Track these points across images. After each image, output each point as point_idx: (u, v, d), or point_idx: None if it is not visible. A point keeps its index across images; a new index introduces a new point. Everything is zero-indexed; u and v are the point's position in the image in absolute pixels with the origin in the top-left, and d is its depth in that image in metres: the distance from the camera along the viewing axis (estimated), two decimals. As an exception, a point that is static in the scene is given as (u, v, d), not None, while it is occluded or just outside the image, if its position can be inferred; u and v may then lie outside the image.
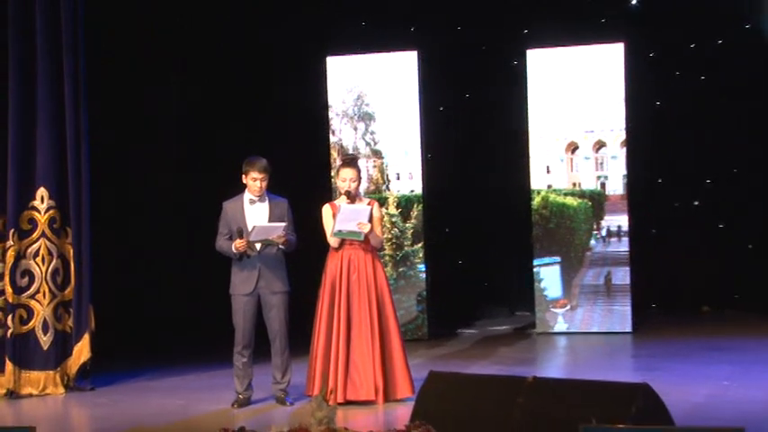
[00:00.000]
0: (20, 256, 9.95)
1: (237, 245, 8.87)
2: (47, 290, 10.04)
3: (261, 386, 9.31)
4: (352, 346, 9.08)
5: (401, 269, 12.31)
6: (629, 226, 12.29)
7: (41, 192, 9.99)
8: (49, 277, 10.04)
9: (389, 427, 6.99)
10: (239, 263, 9.03)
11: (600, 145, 12.30)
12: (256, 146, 9.62)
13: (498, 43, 13.17)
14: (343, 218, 8.92)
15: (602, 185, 12.33)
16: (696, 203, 13.38)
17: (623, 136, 12.22)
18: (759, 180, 12.78)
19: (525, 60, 12.41)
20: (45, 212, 10.02)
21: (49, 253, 10.04)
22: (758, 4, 12.63)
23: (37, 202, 10.01)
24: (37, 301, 10.03)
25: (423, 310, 12.37)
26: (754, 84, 12.73)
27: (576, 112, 12.27)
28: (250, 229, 8.87)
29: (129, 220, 11.65)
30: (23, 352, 9.94)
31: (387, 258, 11.76)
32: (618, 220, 12.29)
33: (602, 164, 12.33)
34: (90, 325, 10.03)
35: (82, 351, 10.02)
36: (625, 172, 12.27)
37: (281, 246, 8.97)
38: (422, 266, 12.42)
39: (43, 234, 10.02)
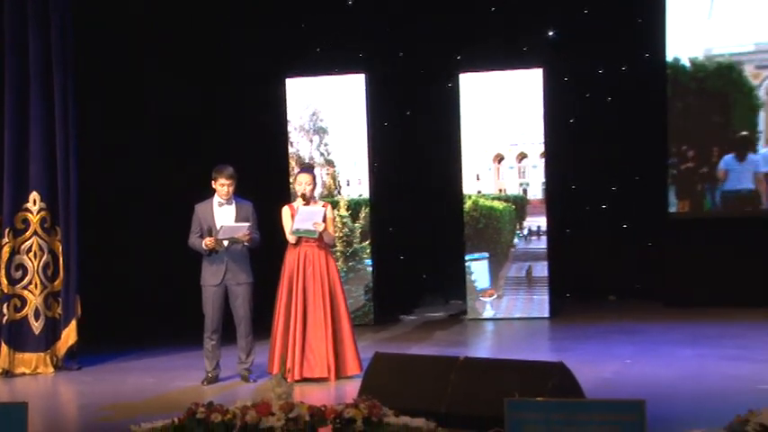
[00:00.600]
0: (14, 251, 9.95)
1: (207, 242, 8.93)
2: (38, 281, 10.04)
3: (227, 366, 9.30)
4: (307, 330, 9.09)
5: (351, 263, 12.31)
6: (547, 226, 12.35)
7: (34, 195, 9.99)
8: (40, 270, 10.04)
9: (340, 401, 6.95)
10: (209, 257, 9.05)
11: (522, 156, 12.35)
12: (225, 155, 9.57)
13: (434, 68, 13.16)
14: (300, 218, 8.99)
15: (524, 191, 12.39)
16: (604, 207, 13.44)
17: (542, 148, 12.29)
18: (656, 186, 12.82)
19: (458, 83, 12.43)
20: (37, 213, 10.02)
21: (41, 249, 10.03)
22: (655, 37, 12.72)
23: (30, 205, 10.00)
24: (29, 291, 10.02)
25: (369, 298, 12.39)
26: (652, 104, 12.79)
27: (502, 127, 12.34)
28: (218, 228, 8.89)
29: (113, 220, 11.57)
30: (17, 336, 9.94)
31: (338, 254, 11.73)
32: (537, 221, 12.35)
33: (524, 172, 12.39)
34: (76, 312, 10.03)
35: (69, 335, 10.03)
36: (544, 180, 12.34)
37: (245, 243, 9.03)
38: (369, 261, 12.43)
39: (35, 232, 10.01)
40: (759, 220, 12.58)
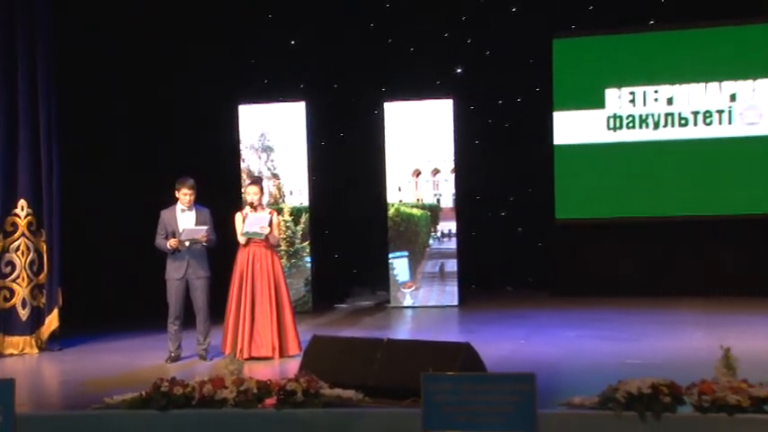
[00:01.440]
0: (4, 250, 9.83)
1: (171, 243, 8.92)
2: (25, 276, 9.93)
3: (188, 347, 9.24)
4: (255, 317, 9.10)
5: (293, 260, 12.28)
6: (457, 229, 12.41)
7: (22, 202, 9.89)
8: (27, 266, 9.93)
9: (283, 377, 6.92)
10: (172, 255, 9.05)
11: (436, 171, 12.38)
12: (186, 169, 9.53)
13: (363, 97, 13.19)
14: (249, 223, 9.06)
15: (438, 200, 12.43)
16: (503, 213, 13.54)
17: (452, 165, 12.34)
18: (545, 197, 12.96)
19: (383, 110, 12.47)
20: (24, 218, 9.90)
21: (28, 248, 9.92)
22: (543, 75, 12.87)
23: (18, 210, 9.89)
24: (17, 284, 9.91)
25: (308, 290, 12.37)
26: (541, 130, 12.94)
27: (419, 147, 12.36)
28: (181, 231, 8.88)
29: (90, 223, 11.44)
30: (7, 322, 9.83)
31: (282, 252, 11.67)
32: (449, 226, 12.41)
33: (437, 185, 12.43)
34: (58, 302, 9.96)
35: (52, 321, 9.96)
36: (453, 191, 12.38)
37: (204, 243, 9.03)
38: (308, 258, 12.41)
39: (23, 234, 9.89)
40: (629, 223, 12.75)
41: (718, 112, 12.49)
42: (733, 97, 12.43)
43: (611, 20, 12.74)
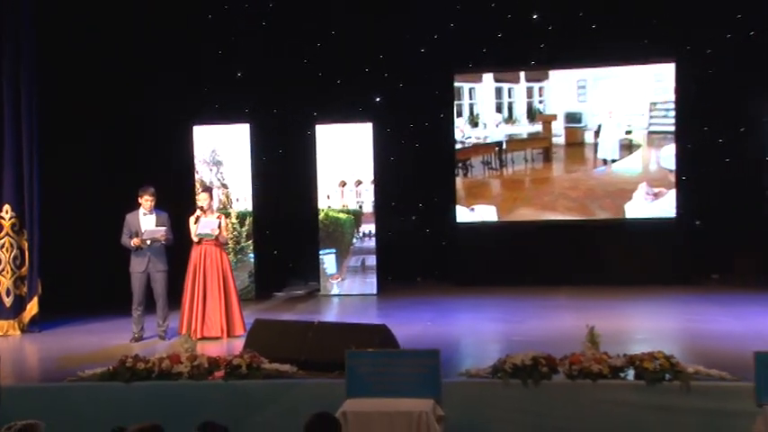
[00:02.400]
0: (-9, 248, 9.72)
1: (135, 242, 8.92)
2: (9, 269, 9.82)
3: (149, 328, 9.19)
4: (206, 303, 9.13)
5: (239, 256, 12.22)
6: (376, 231, 12.46)
7: (6, 207, 9.80)
8: (11, 261, 9.82)
9: (230, 353, 6.91)
10: (136, 252, 9.01)
11: (359, 182, 12.42)
12: (149, 178, 9.50)
13: (298, 120, 13.13)
14: (202, 225, 9.11)
15: (360, 206, 12.46)
16: (414, 217, 13.60)
17: (372, 177, 12.39)
18: (447, 204, 13.10)
19: (315, 131, 12.48)
20: (9, 220, 9.79)
21: (11, 246, 9.80)
22: (446, 103, 13.01)
23: (3, 214, 9.78)
24: (3, 276, 9.80)
25: (252, 281, 12.31)
26: (445, 150, 13.09)
27: (345, 162, 12.38)
28: (143, 231, 8.82)
29: (66, 223, 11.23)
30: (-7, 308, 9.73)
31: (230, 249, 11.60)
32: (369, 227, 12.45)
33: (360, 194, 12.47)
34: (38, 291, 9.86)
35: (32, 307, 9.86)
36: (373, 199, 12.44)
37: (163, 241, 8.99)
38: (252, 254, 12.36)
39: (7, 234, 9.79)
40: (516, 225, 12.95)
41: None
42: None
43: (499, 60, 12.93)
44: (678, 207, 12.50)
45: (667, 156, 12.52)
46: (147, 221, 9.00)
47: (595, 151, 12.74)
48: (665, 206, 12.55)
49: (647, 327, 9.04)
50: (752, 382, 5.56)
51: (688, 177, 12.56)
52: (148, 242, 8.93)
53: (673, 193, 12.48)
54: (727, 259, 12.54)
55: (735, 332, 8.60)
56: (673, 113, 12.44)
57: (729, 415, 5.78)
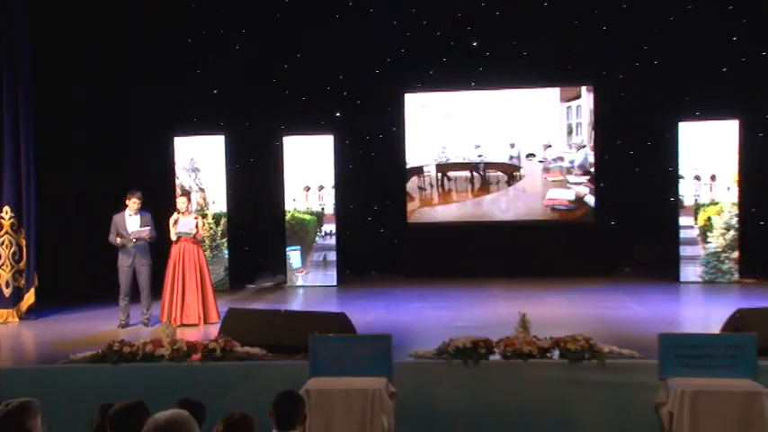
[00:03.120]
0: (-8, 245, 9.58)
1: (121, 240, 8.79)
2: (9, 263, 9.71)
3: (134, 317, 9.09)
4: (185, 294, 9.11)
5: (215, 252, 12.12)
6: (336, 230, 12.45)
7: (6, 208, 9.69)
8: (10, 256, 9.71)
9: (206, 338, 6.88)
10: (122, 249, 8.89)
11: (321, 187, 12.40)
12: (134, 182, 9.43)
13: (268, 132, 13.04)
14: (181, 225, 9.05)
15: (322, 209, 12.43)
16: (369, 219, 13.61)
17: (333, 183, 12.38)
18: (400, 206, 13.12)
19: (283, 142, 12.42)
20: (8, 220, 9.67)
21: (11, 243, 9.69)
22: (399, 118, 13.05)
23: (3, 214, 9.67)
24: (3, 270, 9.70)
25: (226, 274, 12.21)
26: (399, 156, 13.06)
27: (309, 169, 12.35)
28: (129, 231, 8.73)
29: (60, 222, 11.06)
30: (-6, 299, 9.59)
31: (206, 246, 11.52)
32: (330, 227, 12.43)
33: (322, 197, 12.44)
34: (34, 283, 9.76)
35: (29, 298, 9.76)
36: (334, 202, 12.43)
37: (147, 239, 8.85)
38: (226, 251, 12.27)
39: (7, 232, 9.68)
40: (459, 225, 13.04)
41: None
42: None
43: (444, 81, 13.00)
44: (596, 209, 12.72)
45: (588, 165, 12.72)
46: (132, 222, 8.92)
47: (519, 159, 12.92)
48: (586, 209, 12.76)
49: (569, 313, 9.16)
50: (656, 359, 5.68)
51: (605, 184, 12.78)
52: (134, 240, 8.87)
53: (592, 198, 12.70)
54: (636, 254, 12.77)
55: (642, 317, 8.78)
56: (592, 129, 12.66)
57: (637, 387, 5.91)
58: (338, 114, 13.38)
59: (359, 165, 13.36)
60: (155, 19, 12.20)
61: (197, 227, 9.11)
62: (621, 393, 5.97)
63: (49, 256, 10.36)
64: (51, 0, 10.98)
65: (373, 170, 13.36)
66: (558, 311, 9.24)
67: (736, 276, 11.47)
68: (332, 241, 12.42)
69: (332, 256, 12.40)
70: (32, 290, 9.74)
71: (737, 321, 6.51)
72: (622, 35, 12.30)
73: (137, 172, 11.47)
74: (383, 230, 13.63)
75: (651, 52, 12.50)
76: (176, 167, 12.25)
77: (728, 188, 11.54)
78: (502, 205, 13.02)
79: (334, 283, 12.30)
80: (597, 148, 12.70)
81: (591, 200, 12.74)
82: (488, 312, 9.26)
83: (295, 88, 13.24)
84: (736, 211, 11.53)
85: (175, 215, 9.09)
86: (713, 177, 11.59)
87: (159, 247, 9.32)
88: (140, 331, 8.60)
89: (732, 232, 11.51)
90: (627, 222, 12.73)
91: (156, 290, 9.18)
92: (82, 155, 11.90)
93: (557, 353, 6.14)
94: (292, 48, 13.14)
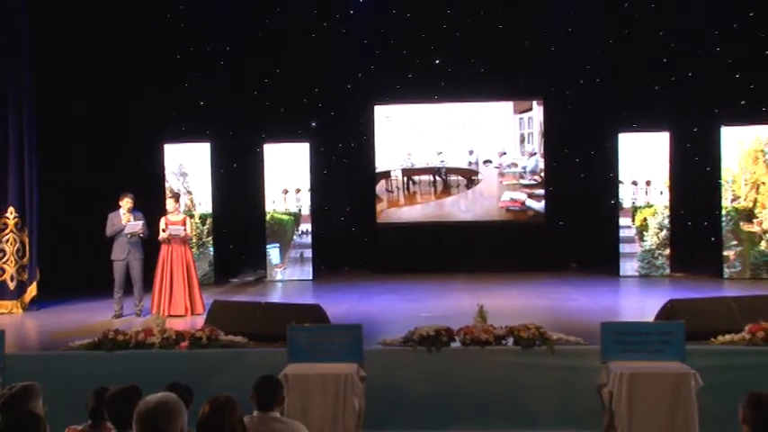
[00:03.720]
0: (-2, 242, 9.47)
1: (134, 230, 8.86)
2: (13, 259, 9.59)
3: (127, 308, 8.98)
4: (173, 287, 9.03)
5: (201, 249, 12.01)
6: (312, 230, 12.40)
7: (11, 209, 9.60)
8: (14, 253, 9.60)
9: (193, 328, 6.82)
10: (117, 244, 8.88)
11: (298, 190, 12.36)
12: (128, 185, 9.34)
13: (249, 140, 12.94)
14: (172, 227, 8.94)
15: (299, 210, 12.38)
16: (342, 218, 13.54)
17: (309, 186, 12.34)
18: (370, 207, 13.11)
19: (263, 149, 12.36)
20: (13, 219, 9.57)
21: (15, 240, 9.58)
22: (368, 128, 13.05)
23: (8, 214, 9.58)
24: (8, 265, 9.59)
25: (212, 269, 12.11)
26: (370, 164, 13.03)
27: (287, 174, 12.30)
28: (125, 225, 8.72)
29: (61, 221, 10.89)
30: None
31: (194, 244, 11.33)
32: (307, 227, 12.39)
33: (299, 199, 12.39)
34: (36, 277, 9.68)
35: (32, 290, 9.68)
36: (310, 203, 12.38)
37: (141, 235, 8.85)
38: (211, 248, 12.17)
39: (11, 230, 9.59)
40: (425, 225, 13.06)
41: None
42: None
43: (410, 94, 13.03)
44: (546, 211, 12.84)
45: (538, 171, 12.84)
46: (130, 224, 8.89)
47: (477, 165, 12.99)
48: (537, 210, 12.87)
49: (522, 304, 9.23)
50: (598, 345, 5.75)
51: (553, 188, 12.91)
52: (129, 235, 8.79)
53: (534, 203, 12.82)
54: (581, 251, 12.91)
55: (586, 307, 8.88)
56: (542, 138, 12.78)
57: (582, 370, 5.98)
58: (314, 124, 13.35)
59: (332, 170, 13.34)
60: (148, 37, 12.10)
61: (185, 228, 9.05)
62: (568, 376, 6.04)
63: (50, 253, 10.23)
64: (53, 19, 10.83)
65: (345, 175, 13.36)
66: (512, 303, 9.30)
67: (668, 271, 11.66)
68: (308, 239, 12.38)
69: (308, 253, 12.36)
70: (35, 283, 9.65)
71: (669, 311, 6.62)
72: (569, 55, 12.48)
73: (130, 176, 11.32)
74: (354, 229, 13.62)
75: (594, 71, 12.69)
76: (166, 172, 12.11)
77: (661, 192, 11.72)
78: (462, 207, 13.10)
79: (310, 278, 12.25)
80: (547, 155, 12.84)
81: (534, 204, 12.84)
82: (450, 304, 9.28)
83: (275, 100, 13.19)
84: (667, 212, 11.72)
85: (161, 226, 9.02)
86: (648, 183, 11.77)
87: (150, 244, 9.23)
88: (133, 321, 8.50)
89: (664, 232, 11.70)
90: (573, 222, 12.87)
91: (148, 283, 9.08)
92: (81, 161, 11.74)
93: (511, 340, 6.18)
94: (272, 63, 13.09)
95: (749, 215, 11.14)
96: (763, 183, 11.11)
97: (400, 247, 13.02)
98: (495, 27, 12.75)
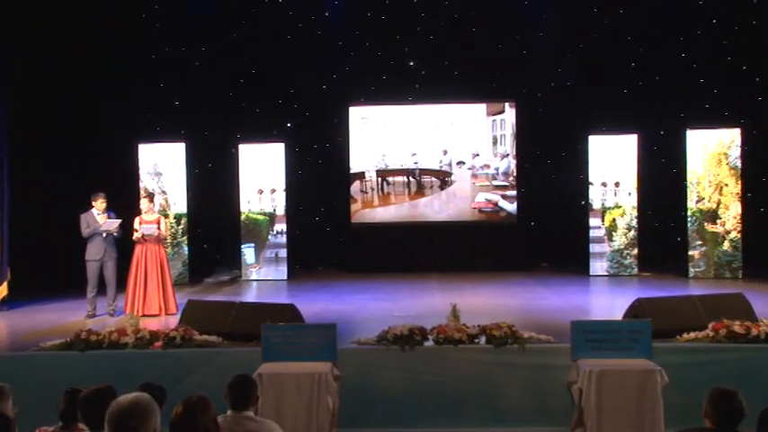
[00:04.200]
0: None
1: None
2: None
3: (101, 307, 8.84)
4: (147, 287, 8.90)
5: (176, 249, 11.87)
6: (287, 229, 12.33)
7: None
8: None
9: (167, 328, 6.74)
10: (91, 243, 8.77)
11: (273, 190, 12.28)
12: (103, 185, 9.20)
13: (224, 141, 12.87)
14: (146, 226, 8.76)
15: (274, 210, 12.30)
16: (317, 219, 13.55)
17: (284, 186, 12.27)
18: (344, 207, 13.09)
19: (239, 150, 12.27)
20: None
21: None
22: (343, 130, 13.02)
23: None
24: None
25: (186, 269, 11.98)
26: (344, 167, 13.04)
27: (262, 174, 12.21)
28: (100, 224, 8.61)
29: (32, 222, 10.71)
30: (-31, 291, 9.27)
31: (168, 244, 11.26)
32: (282, 227, 12.31)
33: (274, 199, 12.31)
34: (7, 276, 9.52)
35: (2, 290, 9.53)
36: (285, 204, 12.32)
37: (115, 234, 8.79)
38: (186, 248, 12.03)
39: None
40: (398, 225, 13.07)
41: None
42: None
43: (384, 96, 13.04)
44: (518, 211, 12.92)
45: (511, 172, 12.91)
46: (107, 222, 8.78)
47: (451, 166, 13.03)
48: (509, 210, 12.94)
49: (495, 303, 9.27)
50: (569, 343, 5.79)
51: (525, 189, 12.99)
52: (104, 234, 8.68)
53: (506, 203, 12.89)
54: (552, 251, 13.01)
55: (557, 306, 8.95)
56: (514, 140, 12.86)
57: (553, 368, 6.02)
58: (289, 125, 13.30)
59: (307, 170, 13.30)
60: (123, 37, 11.96)
61: (159, 227, 8.96)
62: (539, 374, 6.08)
63: (22, 252, 10.07)
64: (25, 18, 10.67)
65: (320, 175, 13.32)
66: (484, 302, 9.33)
67: (636, 270, 11.80)
68: (283, 239, 12.32)
69: (283, 252, 12.30)
70: (5, 283, 9.48)
71: (637, 309, 6.69)
72: (540, 59, 12.59)
73: (105, 176, 11.17)
74: (329, 229, 13.59)
75: (564, 74, 12.80)
76: (141, 172, 11.97)
77: (630, 193, 11.86)
78: (435, 207, 13.12)
79: (285, 278, 12.19)
80: (519, 157, 12.92)
81: (506, 205, 12.91)
82: (423, 303, 9.30)
83: (250, 101, 13.12)
84: (635, 213, 11.86)
85: (135, 226, 8.92)
86: (617, 184, 11.89)
87: (124, 244, 9.11)
88: (106, 321, 8.37)
89: (633, 232, 11.83)
90: (544, 223, 12.97)
91: (121, 283, 8.96)
92: (53, 161, 11.55)
93: (483, 339, 6.21)
94: (248, 64, 13.03)
95: (713, 216, 11.32)
96: (726, 184, 11.29)
97: (374, 247, 13.01)
98: (469, 30, 12.81)
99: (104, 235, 8.66)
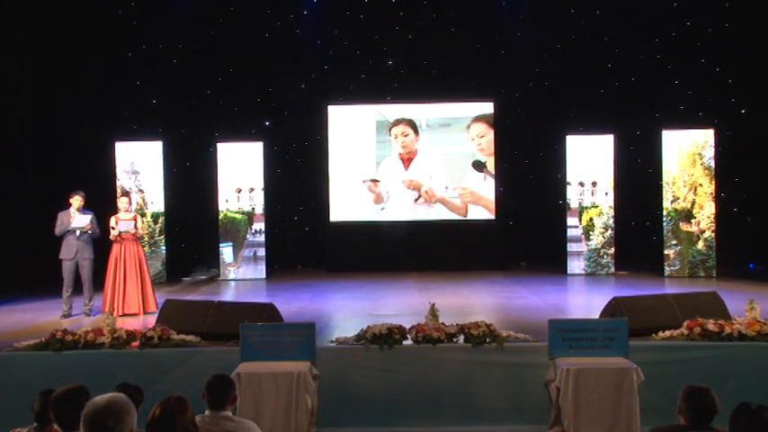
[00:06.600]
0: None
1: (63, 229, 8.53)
2: None
3: (76, 307, 8.73)
4: (126, 286, 8.79)
5: (153, 248, 11.78)
6: (265, 228, 12.26)
7: None
8: None
9: (145, 327, 6.67)
10: (66, 243, 8.61)
11: (252, 189, 12.21)
12: (80, 184, 9.08)
13: (202, 140, 12.83)
14: (122, 224, 8.62)
15: (253, 209, 12.24)
16: (296, 218, 13.52)
17: (263, 185, 12.20)
18: (324, 206, 13.03)
19: (216, 149, 12.19)
20: None
21: None
22: (322, 128, 12.99)
23: None
24: None
25: (164, 268, 11.90)
26: (320, 164, 13.00)
27: (241, 174, 12.14)
28: (73, 218, 8.49)
29: (8, 220, 10.54)
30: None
31: (146, 243, 11.17)
32: (260, 226, 12.24)
33: (252, 198, 12.24)
34: None
35: None
36: (263, 202, 12.25)
37: (89, 233, 8.67)
38: (164, 247, 11.95)
39: None
40: (376, 225, 13.07)
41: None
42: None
43: (363, 95, 13.03)
44: (497, 211, 12.97)
45: (491, 173, 12.97)
46: (76, 219, 8.63)
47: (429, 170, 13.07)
48: (487, 210, 12.99)
49: (473, 302, 9.30)
50: (546, 342, 5.83)
51: (504, 188, 13.05)
52: (78, 233, 8.56)
53: (492, 202, 12.94)
54: (531, 250, 13.09)
55: (535, 305, 8.99)
56: (492, 141, 12.91)
57: (531, 366, 6.05)
58: (267, 123, 13.26)
59: (286, 169, 13.27)
60: (100, 34, 11.85)
61: (136, 225, 8.88)
62: (517, 372, 6.10)
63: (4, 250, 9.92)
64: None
65: (299, 174, 13.29)
66: (463, 301, 9.35)
67: (613, 269, 11.91)
68: (261, 238, 12.27)
69: (261, 252, 12.25)
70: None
71: (613, 308, 6.75)
72: (519, 59, 12.67)
73: (81, 174, 11.08)
74: (307, 228, 13.56)
75: (542, 74, 12.91)
76: (117, 170, 11.86)
77: (606, 193, 11.97)
78: (414, 206, 13.11)
79: (264, 277, 12.15)
80: (497, 156, 12.96)
81: (491, 202, 12.97)
82: (402, 302, 9.30)
83: (228, 99, 13.07)
84: (612, 213, 11.97)
85: (111, 224, 8.82)
86: (594, 184, 11.99)
87: (100, 243, 9.00)
88: (82, 321, 8.27)
89: (609, 231, 11.94)
90: (522, 222, 13.05)
91: (97, 283, 8.86)
92: (27, 160, 11.43)
93: (462, 338, 6.22)
94: (226, 62, 12.98)
95: (688, 216, 11.46)
96: (701, 185, 11.44)
97: (353, 246, 13.00)
98: (447, 30, 12.86)
99: (78, 233, 8.54)
